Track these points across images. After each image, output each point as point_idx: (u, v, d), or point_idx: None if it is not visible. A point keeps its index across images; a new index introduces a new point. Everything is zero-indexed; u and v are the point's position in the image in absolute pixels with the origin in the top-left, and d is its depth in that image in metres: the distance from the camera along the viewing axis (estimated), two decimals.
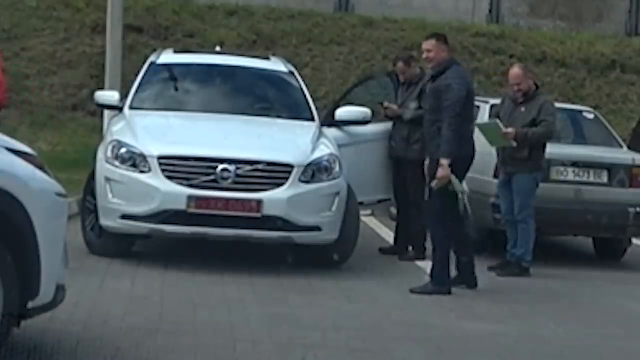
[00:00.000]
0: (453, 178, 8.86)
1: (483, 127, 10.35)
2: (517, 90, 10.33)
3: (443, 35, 9.43)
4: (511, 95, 10.48)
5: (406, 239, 10.76)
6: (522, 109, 10.27)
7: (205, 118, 10.31)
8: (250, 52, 17.55)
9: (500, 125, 10.05)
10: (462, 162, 9.01)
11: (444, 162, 8.80)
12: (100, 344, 6.42)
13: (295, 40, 20.09)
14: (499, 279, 10.08)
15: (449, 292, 8.95)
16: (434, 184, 8.89)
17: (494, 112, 10.98)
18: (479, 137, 10.89)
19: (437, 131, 8.94)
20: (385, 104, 10.80)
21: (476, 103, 12.27)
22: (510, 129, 10.01)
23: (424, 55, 9.15)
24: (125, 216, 9.23)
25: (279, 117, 10.57)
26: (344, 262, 9.79)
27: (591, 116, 12.38)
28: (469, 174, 11.35)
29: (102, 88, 14.08)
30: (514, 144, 10.03)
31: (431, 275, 9.04)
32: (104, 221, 9.40)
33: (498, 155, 10.50)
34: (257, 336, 6.94)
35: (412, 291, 8.88)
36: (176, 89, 10.99)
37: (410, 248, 10.72)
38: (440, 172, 8.82)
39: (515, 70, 10.46)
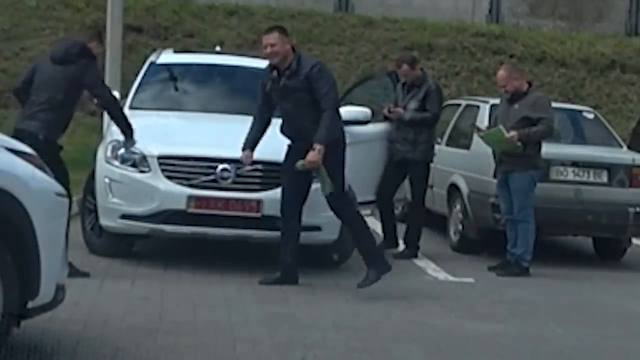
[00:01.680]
0: (323, 169, 8.62)
1: (486, 138, 10.38)
2: (504, 92, 10.42)
3: (283, 28, 9.08)
4: (506, 95, 10.53)
5: (394, 234, 10.83)
6: (516, 106, 10.30)
7: (205, 118, 10.31)
8: (250, 52, 17.55)
9: (504, 131, 10.05)
10: (338, 147, 8.74)
11: (319, 147, 8.52)
12: (100, 344, 6.43)
13: (295, 40, 20.07)
14: (499, 278, 10.08)
15: (389, 269, 8.75)
16: (299, 164, 8.60)
17: (495, 112, 10.99)
18: (478, 139, 10.94)
19: (317, 120, 8.64)
20: (391, 108, 10.81)
21: (476, 103, 12.37)
22: (513, 133, 10.02)
23: (268, 50, 8.71)
24: (125, 216, 9.24)
25: (279, 117, 10.55)
26: (344, 262, 9.80)
27: (591, 116, 12.39)
28: (469, 174, 11.44)
29: None
30: (519, 144, 10.04)
31: (370, 262, 8.71)
32: (104, 221, 9.40)
33: (494, 155, 10.50)
34: (257, 336, 6.94)
35: (359, 286, 8.60)
36: (176, 89, 11.00)
37: (401, 243, 10.76)
38: (314, 156, 8.51)
39: (500, 72, 10.57)
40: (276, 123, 10.34)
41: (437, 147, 11.45)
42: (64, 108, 8.91)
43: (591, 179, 11.12)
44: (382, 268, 8.72)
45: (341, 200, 8.83)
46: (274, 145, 9.62)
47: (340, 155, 8.81)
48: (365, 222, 8.92)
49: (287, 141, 9.21)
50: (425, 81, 10.86)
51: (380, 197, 10.94)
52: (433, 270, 10.22)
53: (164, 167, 9.19)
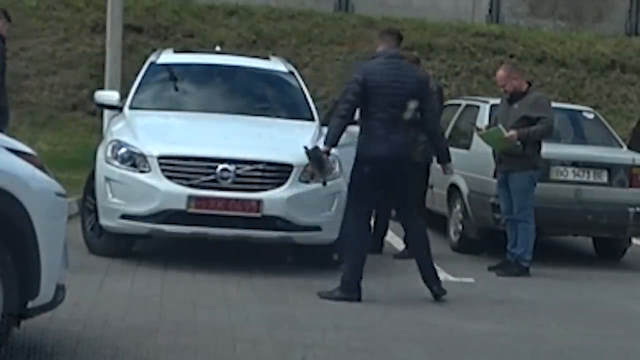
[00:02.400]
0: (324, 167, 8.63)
1: (485, 137, 10.42)
2: (504, 92, 10.44)
3: (386, 30, 9.17)
4: (506, 95, 10.55)
5: (382, 240, 10.85)
6: (516, 106, 10.31)
7: (205, 118, 10.31)
8: (250, 52, 17.55)
9: (503, 130, 10.07)
10: (355, 166, 8.58)
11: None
12: (100, 344, 6.43)
13: (295, 40, 20.09)
14: (499, 278, 10.08)
15: (359, 299, 8.41)
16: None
17: (495, 112, 11.00)
18: (478, 139, 10.95)
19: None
20: None
21: (476, 103, 12.37)
22: (512, 132, 10.03)
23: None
24: (125, 216, 9.24)
25: (279, 117, 10.58)
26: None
27: (591, 116, 12.40)
28: (469, 174, 11.43)
29: (102, 88, 14.09)
30: (518, 143, 10.05)
31: (344, 286, 8.44)
32: (104, 221, 9.40)
33: (494, 155, 10.51)
34: (257, 336, 6.94)
35: (320, 296, 8.41)
36: (176, 89, 10.99)
37: (401, 243, 10.76)
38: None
39: (499, 72, 10.61)
40: (273, 123, 10.39)
41: None
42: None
43: (591, 179, 11.12)
44: (351, 297, 8.36)
45: (351, 219, 8.62)
46: (275, 145, 9.64)
47: (356, 174, 8.51)
48: (363, 254, 8.56)
49: (288, 142, 9.23)
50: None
51: (381, 200, 10.92)
52: None
53: (164, 167, 9.18)
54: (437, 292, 8.62)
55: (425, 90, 8.85)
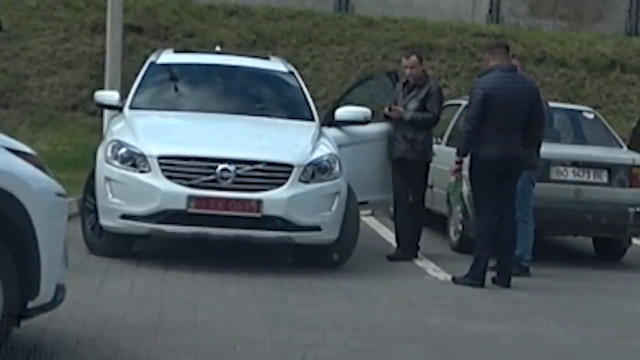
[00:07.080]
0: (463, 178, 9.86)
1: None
2: None
3: (495, 44, 10.28)
4: None
5: (412, 237, 10.77)
6: None
7: (205, 118, 10.31)
8: (250, 52, 17.55)
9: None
10: (476, 163, 9.57)
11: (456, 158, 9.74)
12: (100, 344, 6.43)
13: (295, 40, 20.09)
14: None
15: (482, 286, 9.38)
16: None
17: None
18: None
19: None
20: (393, 106, 10.78)
21: None
22: None
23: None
24: (125, 216, 9.24)
25: (279, 117, 10.57)
26: (344, 262, 9.79)
27: (591, 116, 12.40)
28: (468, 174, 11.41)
29: (102, 88, 14.07)
30: None
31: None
32: (104, 221, 9.40)
33: None
34: (257, 336, 6.94)
35: (454, 280, 9.53)
36: (176, 89, 10.99)
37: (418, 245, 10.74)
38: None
39: None
40: (273, 123, 10.40)
41: (437, 147, 11.46)
42: None
43: (591, 179, 11.13)
44: (474, 283, 9.42)
45: (479, 213, 9.82)
46: (275, 145, 9.65)
47: (475, 174, 9.67)
48: (489, 246, 9.50)
49: (288, 142, 9.22)
50: (427, 82, 10.85)
51: (395, 202, 10.89)
52: (433, 270, 10.21)
53: (164, 167, 9.18)
54: (506, 284, 9.53)
55: (534, 100, 9.61)
